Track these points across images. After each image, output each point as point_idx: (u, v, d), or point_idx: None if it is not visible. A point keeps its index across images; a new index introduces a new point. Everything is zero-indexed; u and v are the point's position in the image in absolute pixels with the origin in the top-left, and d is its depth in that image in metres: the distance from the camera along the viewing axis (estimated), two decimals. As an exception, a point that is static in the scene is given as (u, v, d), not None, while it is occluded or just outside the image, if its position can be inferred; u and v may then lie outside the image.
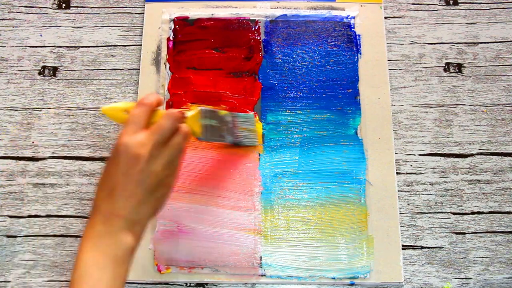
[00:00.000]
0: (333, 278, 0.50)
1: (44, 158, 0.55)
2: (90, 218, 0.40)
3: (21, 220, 0.53)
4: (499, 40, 0.58)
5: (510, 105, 0.56)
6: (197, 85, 0.55)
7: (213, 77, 0.56)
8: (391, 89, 0.56)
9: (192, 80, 0.55)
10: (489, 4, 0.60)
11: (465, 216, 0.53)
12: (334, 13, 0.58)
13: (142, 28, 0.58)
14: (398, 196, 0.53)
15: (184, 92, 0.55)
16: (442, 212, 0.53)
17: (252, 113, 0.54)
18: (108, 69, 0.58)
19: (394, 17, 0.59)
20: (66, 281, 0.51)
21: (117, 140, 0.39)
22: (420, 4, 0.60)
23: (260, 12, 0.58)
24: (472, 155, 0.55)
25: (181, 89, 0.55)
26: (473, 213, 0.53)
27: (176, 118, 0.41)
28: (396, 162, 0.54)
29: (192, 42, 0.57)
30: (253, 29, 0.57)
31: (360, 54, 0.57)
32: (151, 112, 0.40)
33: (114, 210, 0.39)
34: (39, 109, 0.56)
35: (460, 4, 0.60)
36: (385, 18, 0.59)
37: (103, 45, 0.59)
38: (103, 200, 0.39)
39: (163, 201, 0.42)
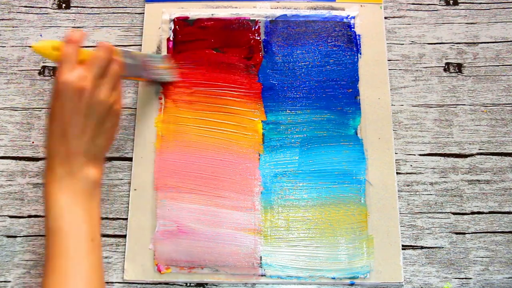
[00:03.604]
0: (333, 278, 0.50)
1: (44, 158, 0.55)
2: (48, 164, 0.40)
3: (21, 220, 0.53)
4: (499, 40, 0.58)
5: (510, 105, 0.56)
6: (195, 82, 0.55)
7: (210, 73, 0.56)
8: (391, 89, 0.56)
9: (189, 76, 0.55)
10: (489, 4, 0.60)
11: (465, 216, 0.53)
12: (334, 13, 0.58)
13: (142, 28, 0.58)
14: (398, 196, 0.53)
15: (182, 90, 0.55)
16: (442, 212, 0.53)
17: (161, 54, 0.56)
18: (108, 69, 0.58)
19: (394, 17, 0.59)
20: (66, 281, 0.51)
21: (55, 80, 0.39)
22: (420, 4, 0.60)
23: (260, 12, 0.58)
24: (472, 155, 0.55)
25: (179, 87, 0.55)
26: (473, 213, 0.53)
27: (110, 49, 0.42)
28: (396, 162, 0.54)
29: (192, 42, 0.57)
30: (253, 29, 0.57)
31: (360, 54, 0.57)
32: (79, 49, 0.41)
33: (71, 149, 0.39)
34: (39, 109, 0.56)
35: (460, 4, 0.60)
36: (385, 18, 0.59)
37: (103, 45, 0.59)
38: (56, 143, 0.39)
39: (115, 130, 0.43)
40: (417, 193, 0.53)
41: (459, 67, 0.57)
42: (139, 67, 0.50)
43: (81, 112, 0.39)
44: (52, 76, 0.58)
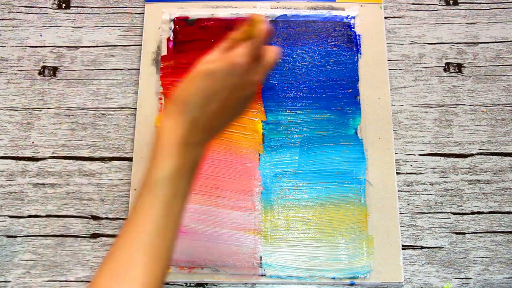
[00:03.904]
0: (333, 278, 0.50)
1: (44, 158, 0.55)
2: (177, 118, 0.37)
3: (21, 220, 0.53)
4: (499, 40, 0.58)
5: (510, 105, 0.56)
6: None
7: None
8: (391, 89, 0.56)
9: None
10: (489, 4, 0.60)
11: (465, 216, 0.53)
12: (334, 13, 0.58)
13: (142, 28, 0.58)
14: (398, 196, 0.53)
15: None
16: (442, 212, 0.53)
17: None
18: (108, 69, 0.58)
19: (394, 17, 0.59)
20: (66, 281, 0.51)
21: (239, 54, 0.37)
22: (420, 4, 0.60)
23: (260, 12, 0.58)
24: (472, 155, 0.55)
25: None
26: (473, 213, 0.53)
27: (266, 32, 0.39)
28: (396, 162, 0.54)
29: (192, 42, 0.57)
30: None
31: (360, 54, 0.57)
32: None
33: (206, 124, 0.38)
34: (39, 109, 0.56)
35: (460, 4, 0.60)
36: (385, 18, 0.59)
37: (103, 45, 0.59)
38: (198, 108, 0.37)
39: (235, 120, 0.41)
40: (417, 193, 0.53)
41: (459, 67, 0.57)
42: None
43: (235, 96, 0.38)
44: (52, 76, 0.58)
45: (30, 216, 0.53)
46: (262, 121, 0.54)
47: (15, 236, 0.52)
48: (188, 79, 0.38)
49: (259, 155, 0.53)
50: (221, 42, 0.39)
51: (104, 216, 0.53)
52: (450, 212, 0.53)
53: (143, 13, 0.59)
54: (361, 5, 0.58)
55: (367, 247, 0.50)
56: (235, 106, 0.39)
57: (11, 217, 0.53)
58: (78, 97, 0.57)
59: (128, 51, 0.58)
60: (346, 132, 0.54)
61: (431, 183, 0.54)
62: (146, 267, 0.34)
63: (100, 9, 0.60)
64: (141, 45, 0.58)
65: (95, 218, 0.53)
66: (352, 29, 0.58)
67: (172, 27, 0.58)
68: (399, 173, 0.54)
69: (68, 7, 0.60)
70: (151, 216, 0.36)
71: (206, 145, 0.40)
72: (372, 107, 0.55)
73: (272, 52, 0.40)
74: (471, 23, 0.59)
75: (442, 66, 0.58)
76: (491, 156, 0.55)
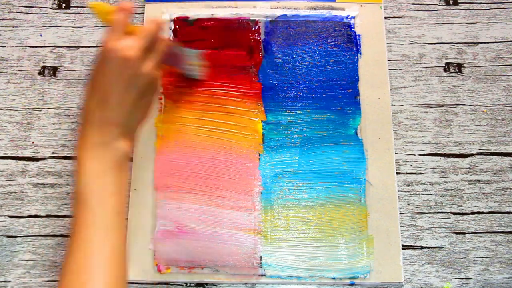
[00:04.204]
0: (333, 278, 0.50)
1: (44, 158, 0.55)
2: (82, 130, 0.40)
3: (21, 220, 0.53)
4: (499, 40, 0.58)
5: (510, 105, 0.56)
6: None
7: (210, 73, 0.56)
8: (391, 89, 0.56)
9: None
10: (489, 4, 0.60)
11: (465, 216, 0.53)
12: (334, 13, 0.58)
13: (142, 28, 0.58)
14: (398, 196, 0.53)
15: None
16: (442, 212, 0.53)
17: (197, 50, 0.55)
18: (108, 69, 0.58)
19: (394, 17, 0.59)
20: (66, 281, 0.51)
21: (103, 46, 0.39)
22: (420, 4, 0.60)
23: (260, 12, 0.58)
24: (472, 155, 0.55)
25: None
26: (473, 213, 0.53)
27: (159, 24, 0.42)
28: (396, 162, 0.54)
29: (192, 42, 0.57)
30: (253, 29, 0.57)
31: (360, 54, 0.57)
32: (128, 20, 0.41)
33: (108, 119, 0.39)
34: (39, 109, 0.56)
35: (460, 4, 0.60)
36: (385, 18, 0.59)
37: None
38: (95, 109, 0.39)
39: (151, 106, 0.43)
40: (417, 193, 0.53)
41: (459, 67, 0.57)
42: (175, 56, 0.50)
43: (123, 82, 0.39)
44: (52, 76, 0.58)
45: (30, 216, 0.53)
46: (262, 121, 0.54)
47: (15, 236, 0.52)
48: (86, 85, 0.40)
49: (259, 155, 0.53)
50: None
51: (104, 216, 0.53)
52: (450, 212, 0.53)
53: (143, 13, 0.59)
54: (361, 5, 0.58)
55: (367, 247, 0.50)
56: (127, 90, 0.39)
57: (11, 217, 0.53)
58: (78, 97, 0.57)
59: (128, 51, 0.58)
60: (346, 132, 0.54)
61: (431, 183, 0.54)
62: (99, 268, 0.36)
63: (100, 9, 0.60)
64: (141, 45, 0.58)
65: (95, 218, 0.53)
66: (352, 29, 0.58)
67: (172, 27, 0.58)
68: (399, 173, 0.54)
69: (68, 7, 0.60)
70: (88, 220, 0.37)
71: (128, 137, 0.41)
72: (372, 107, 0.55)
73: (146, 25, 0.42)
74: (471, 23, 0.59)
75: (442, 66, 0.58)
76: (491, 156, 0.55)
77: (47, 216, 0.53)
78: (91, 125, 0.39)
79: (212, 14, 0.58)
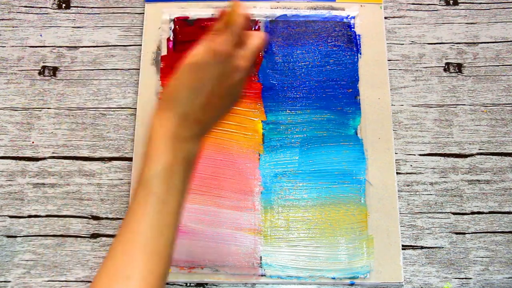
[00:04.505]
0: (333, 278, 0.50)
1: (44, 158, 0.55)
2: (166, 115, 0.37)
3: (21, 220, 0.53)
4: (499, 40, 0.58)
5: (510, 105, 0.56)
6: None
7: None
8: (391, 89, 0.56)
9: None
10: (489, 4, 0.60)
11: (465, 216, 0.53)
12: (334, 13, 0.58)
13: (142, 28, 0.58)
14: (398, 196, 0.53)
15: None
16: (442, 212, 0.53)
17: None
18: (108, 69, 0.58)
19: (394, 17, 0.59)
20: (66, 281, 0.51)
21: (216, 45, 0.38)
22: (420, 4, 0.60)
23: (260, 12, 0.58)
24: (472, 155, 0.55)
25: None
26: (473, 213, 0.53)
27: (245, 17, 0.40)
28: (396, 162, 0.54)
29: (192, 42, 0.57)
30: (253, 29, 0.57)
31: (360, 54, 0.57)
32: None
33: (197, 116, 0.37)
34: (39, 109, 0.56)
35: (460, 4, 0.60)
36: (385, 18, 0.59)
37: (103, 45, 0.59)
38: (187, 102, 0.37)
39: (229, 112, 0.41)
40: (417, 193, 0.53)
41: (459, 67, 0.57)
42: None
43: (223, 89, 0.38)
44: (52, 76, 0.57)
45: (30, 216, 0.53)
46: (262, 121, 0.54)
47: (15, 236, 0.52)
48: (176, 74, 0.38)
49: (259, 155, 0.53)
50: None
51: (104, 216, 0.53)
52: (450, 212, 0.53)
53: (143, 13, 0.59)
54: (361, 5, 0.58)
55: (367, 247, 0.50)
56: (224, 95, 0.39)
57: (11, 217, 0.53)
58: (78, 97, 0.57)
59: (128, 51, 0.58)
60: (346, 132, 0.54)
61: (431, 183, 0.54)
62: (145, 264, 0.34)
63: (100, 9, 0.60)
64: (141, 45, 0.58)
65: (95, 218, 0.53)
66: (352, 29, 0.58)
67: (172, 27, 0.58)
68: (399, 173, 0.54)
69: (68, 7, 0.60)
70: (146, 214, 0.35)
71: (201, 139, 0.39)
72: (372, 107, 0.55)
73: (256, 37, 0.40)
74: (471, 23, 0.59)
75: (442, 66, 0.58)
76: (491, 156, 0.55)
77: (47, 216, 0.53)
78: (177, 115, 0.37)
79: (212, 14, 0.58)
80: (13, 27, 0.59)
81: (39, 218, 0.53)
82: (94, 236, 0.52)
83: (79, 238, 0.52)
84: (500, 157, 0.55)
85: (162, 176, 0.36)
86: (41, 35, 0.59)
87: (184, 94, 0.37)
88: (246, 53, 0.39)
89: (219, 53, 0.37)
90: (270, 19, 0.58)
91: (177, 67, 0.38)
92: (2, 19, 0.60)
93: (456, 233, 0.52)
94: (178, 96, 0.38)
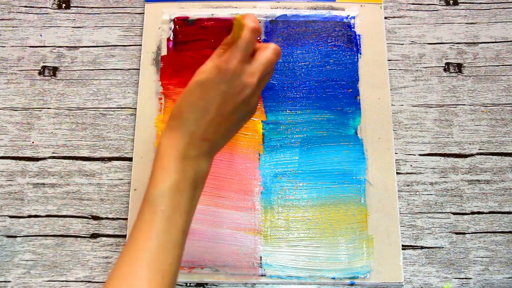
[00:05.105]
0: (333, 278, 0.50)
1: (44, 158, 0.55)
2: (174, 134, 0.37)
3: (21, 220, 0.53)
4: (499, 40, 0.58)
5: (510, 105, 0.56)
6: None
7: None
8: (391, 89, 0.56)
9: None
10: (489, 4, 0.60)
11: (465, 216, 0.53)
12: (334, 13, 0.58)
13: (142, 28, 0.58)
14: (398, 196, 0.53)
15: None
16: (442, 212, 0.53)
17: None
18: (108, 69, 0.58)
19: (394, 17, 0.59)
20: (66, 281, 0.51)
21: (223, 63, 0.37)
22: (420, 4, 0.60)
23: (260, 12, 0.58)
24: (472, 155, 0.55)
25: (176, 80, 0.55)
26: (473, 213, 0.53)
27: (256, 30, 0.38)
28: (396, 162, 0.54)
29: (192, 42, 0.57)
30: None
31: (360, 54, 0.57)
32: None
33: (205, 135, 0.37)
34: (39, 109, 0.56)
35: (460, 4, 0.60)
36: (385, 18, 0.59)
37: (103, 45, 0.59)
38: (194, 120, 0.37)
39: (239, 129, 0.41)
40: (417, 193, 0.53)
41: (459, 67, 0.57)
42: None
43: (233, 107, 0.38)
44: (52, 76, 0.58)
45: (30, 216, 0.53)
46: (262, 121, 0.54)
47: (15, 236, 0.52)
48: (183, 92, 0.37)
49: (259, 155, 0.53)
50: (219, 43, 0.39)
51: (104, 216, 0.53)
52: (450, 212, 0.53)
53: (143, 13, 0.59)
54: (361, 5, 0.58)
55: (367, 247, 0.50)
56: (233, 112, 0.38)
57: (11, 217, 0.53)
58: (78, 97, 0.57)
59: (128, 51, 0.58)
60: (346, 132, 0.54)
61: (431, 183, 0.54)
62: (150, 282, 0.34)
63: (100, 9, 0.60)
64: (141, 45, 0.58)
65: (95, 218, 0.53)
66: (352, 29, 0.58)
67: (172, 27, 0.58)
68: (399, 173, 0.54)
69: (68, 7, 0.60)
70: (152, 232, 0.35)
71: (210, 157, 0.39)
72: (372, 107, 0.55)
73: (268, 50, 0.40)
74: (471, 23, 0.59)
75: (442, 66, 0.58)
76: (491, 156, 0.55)
77: (47, 216, 0.53)
78: (186, 134, 0.37)
79: (212, 14, 0.58)
80: (13, 27, 0.60)
81: (39, 218, 0.53)
82: (94, 236, 0.52)
83: (79, 238, 0.52)
84: (500, 157, 0.55)
85: (169, 195, 0.36)
86: (41, 35, 0.59)
87: (191, 113, 0.37)
88: (255, 69, 0.38)
89: (225, 71, 0.37)
90: (270, 19, 0.58)
91: (187, 71, 0.38)
92: (2, 19, 0.60)
93: (456, 233, 0.52)
94: (185, 115, 0.37)
